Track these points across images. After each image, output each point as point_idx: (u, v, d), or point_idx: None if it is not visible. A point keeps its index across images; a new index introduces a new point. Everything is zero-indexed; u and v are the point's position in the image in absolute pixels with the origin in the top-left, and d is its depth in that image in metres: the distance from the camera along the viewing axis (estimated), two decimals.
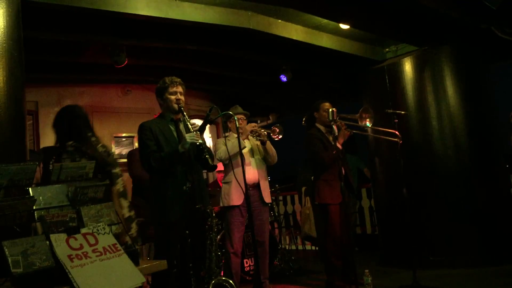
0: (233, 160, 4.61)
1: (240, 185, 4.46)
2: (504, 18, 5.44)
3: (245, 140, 4.73)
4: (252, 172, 4.77)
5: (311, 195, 5.10)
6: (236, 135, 4.77)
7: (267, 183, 4.96)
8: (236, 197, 4.66)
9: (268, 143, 4.89)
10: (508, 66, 8.25)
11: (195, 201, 3.46)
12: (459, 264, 5.42)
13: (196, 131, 3.51)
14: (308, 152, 5.08)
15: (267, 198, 4.89)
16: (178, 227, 3.41)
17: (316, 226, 6.32)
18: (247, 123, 4.94)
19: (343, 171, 4.58)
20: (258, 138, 4.84)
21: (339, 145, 4.85)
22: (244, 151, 4.74)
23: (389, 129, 5.04)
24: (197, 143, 3.47)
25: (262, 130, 4.82)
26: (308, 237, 6.83)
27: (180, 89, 3.70)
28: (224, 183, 4.85)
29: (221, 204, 4.80)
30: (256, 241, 4.82)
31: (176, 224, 3.41)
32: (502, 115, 6.04)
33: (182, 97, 3.69)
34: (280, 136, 4.80)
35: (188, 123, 3.56)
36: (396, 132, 4.87)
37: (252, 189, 4.76)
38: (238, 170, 4.73)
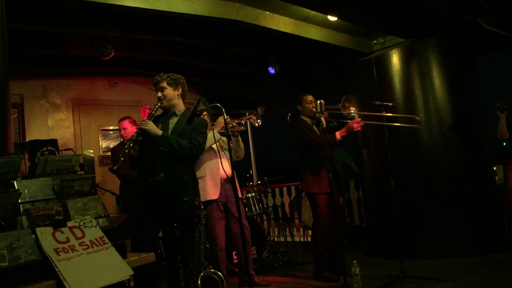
0: (205, 155, 4.61)
1: (227, 175, 4.47)
2: (490, 10, 5.48)
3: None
4: (225, 166, 4.73)
5: (300, 184, 5.12)
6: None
7: (235, 177, 4.98)
8: (212, 191, 4.66)
9: (239, 136, 4.90)
10: (494, 58, 8.33)
11: (165, 194, 3.54)
12: (446, 254, 5.47)
13: (144, 121, 3.70)
14: (295, 139, 5.07)
15: (239, 192, 4.93)
16: (154, 221, 3.51)
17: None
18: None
19: (331, 162, 4.60)
20: (230, 130, 4.81)
21: (338, 136, 4.86)
22: (214, 145, 4.73)
23: (377, 121, 5.08)
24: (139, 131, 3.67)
25: (234, 123, 4.81)
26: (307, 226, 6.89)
27: (159, 85, 3.84)
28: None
29: None
30: (235, 234, 4.86)
31: (149, 217, 3.48)
32: (488, 107, 6.10)
33: (162, 93, 3.83)
34: (259, 121, 4.83)
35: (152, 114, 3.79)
36: (416, 117, 5.18)
37: (226, 183, 4.77)
38: (212, 164, 4.73)
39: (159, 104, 3.82)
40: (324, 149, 4.59)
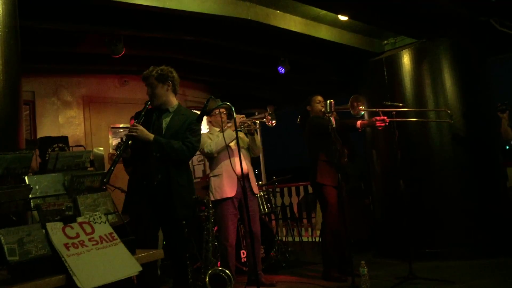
0: (222, 153, 4.64)
1: (236, 174, 4.48)
2: (503, 11, 5.43)
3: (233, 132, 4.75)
4: (242, 164, 4.77)
5: (311, 176, 5.08)
6: (217, 129, 4.80)
7: (253, 174, 5.01)
8: (229, 189, 4.68)
9: (256, 134, 4.93)
10: (506, 60, 8.23)
11: (161, 196, 3.48)
12: (455, 256, 5.44)
13: (133, 126, 3.52)
14: (314, 127, 5.04)
15: (255, 188, 4.99)
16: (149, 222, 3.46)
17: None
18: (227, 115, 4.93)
19: (342, 157, 4.59)
20: (247, 129, 4.85)
21: (359, 124, 4.80)
22: (232, 143, 4.75)
23: (402, 118, 5.03)
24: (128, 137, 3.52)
25: (250, 121, 4.84)
26: None
27: (148, 81, 3.69)
28: (213, 176, 4.83)
29: (212, 198, 4.79)
30: (247, 232, 4.88)
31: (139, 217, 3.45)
32: None
33: (151, 92, 3.68)
34: (274, 122, 4.82)
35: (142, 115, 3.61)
36: (447, 111, 5.04)
37: (242, 181, 4.79)
38: (228, 162, 4.76)
39: (148, 104, 3.65)
40: (338, 140, 4.57)
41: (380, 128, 4.72)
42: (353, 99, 4.82)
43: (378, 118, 4.68)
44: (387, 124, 4.67)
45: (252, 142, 4.96)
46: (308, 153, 5.17)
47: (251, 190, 4.90)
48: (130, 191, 3.63)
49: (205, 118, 3.96)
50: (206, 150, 4.71)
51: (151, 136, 3.50)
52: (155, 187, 3.49)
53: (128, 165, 3.69)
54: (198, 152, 8.63)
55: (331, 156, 4.79)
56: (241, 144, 4.94)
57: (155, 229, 3.59)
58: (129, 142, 3.49)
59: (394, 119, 4.78)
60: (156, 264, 3.77)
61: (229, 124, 4.78)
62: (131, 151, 3.56)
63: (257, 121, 4.87)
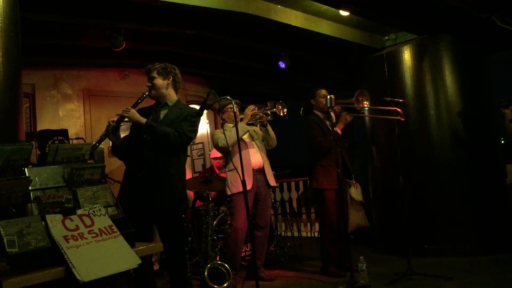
0: (236, 147, 4.64)
1: (238, 172, 4.48)
2: (504, 8, 5.41)
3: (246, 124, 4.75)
4: (257, 157, 4.83)
5: (309, 180, 5.15)
6: (231, 125, 4.80)
7: (270, 166, 4.99)
8: None
9: (268, 125, 4.94)
10: (508, 57, 8.22)
11: (148, 189, 3.45)
12: (453, 252, 5.45)
13: (126, 108, 3.54)
14: (306, 137, 5.10)
15: (272, 181, 4.96)
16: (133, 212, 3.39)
17: (316, 211, 6.34)
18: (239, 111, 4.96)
19: (340, 158, 4.60)
20: (259, 121, 4.87)
21: (338, 130, 4.90)
22: (245, 136, 4.76)
23: (387, 116, 5.08)
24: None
25: (262, 113, 4.85)
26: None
27: (150, 74, 3.71)
28: (229, 171, 4.86)
29: (229, 192, 4.81)
30: (258, 226, 4.89)
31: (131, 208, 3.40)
32: None
33: (151, 83, 3.69)
34: (286, 110, 4.83)
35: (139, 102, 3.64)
36: (398, 110, 4.88)
37: (258, 174, 4.81)
38: (243, 155, 4.76)
39: (146, 93, 3.68)
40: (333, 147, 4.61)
41: (351, 119, 5.17)
42: (358, 93, 4.84)
43: (345, 113, 5.07)
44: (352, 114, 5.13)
45: (266, 133, 4.98)
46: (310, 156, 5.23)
47: (267, 183, 4.90)
48: (124, 184, 3.60)
49: (205, 112, 3.96)
50: (220, 145, 4.74)
51: (143, 119, 3.54)
52: (146, 177, 3.47)
53: (115, 152, 3.64)
54: (198, 147, 8.58)
55: (328, 159, 4.85)
56: (255, 137, 4.96)
57: (148, 222, 3.55)
58: (119, 125, 3.53)
59: (354, 114, 5.25)
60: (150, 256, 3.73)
61: (241, 116, 4.78)
62: (120, 139, 3.57)
63: (269, 112, 4.88)
